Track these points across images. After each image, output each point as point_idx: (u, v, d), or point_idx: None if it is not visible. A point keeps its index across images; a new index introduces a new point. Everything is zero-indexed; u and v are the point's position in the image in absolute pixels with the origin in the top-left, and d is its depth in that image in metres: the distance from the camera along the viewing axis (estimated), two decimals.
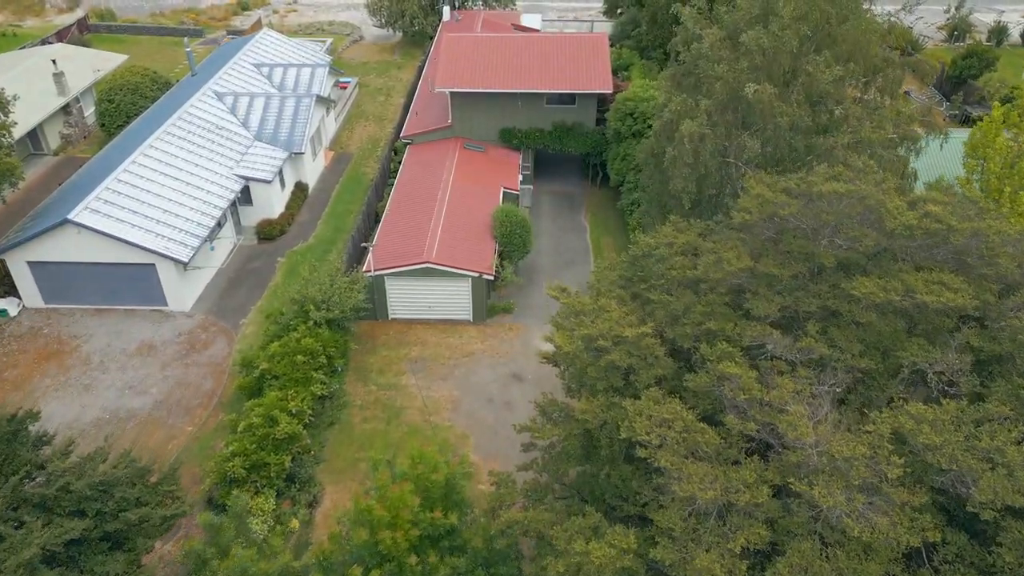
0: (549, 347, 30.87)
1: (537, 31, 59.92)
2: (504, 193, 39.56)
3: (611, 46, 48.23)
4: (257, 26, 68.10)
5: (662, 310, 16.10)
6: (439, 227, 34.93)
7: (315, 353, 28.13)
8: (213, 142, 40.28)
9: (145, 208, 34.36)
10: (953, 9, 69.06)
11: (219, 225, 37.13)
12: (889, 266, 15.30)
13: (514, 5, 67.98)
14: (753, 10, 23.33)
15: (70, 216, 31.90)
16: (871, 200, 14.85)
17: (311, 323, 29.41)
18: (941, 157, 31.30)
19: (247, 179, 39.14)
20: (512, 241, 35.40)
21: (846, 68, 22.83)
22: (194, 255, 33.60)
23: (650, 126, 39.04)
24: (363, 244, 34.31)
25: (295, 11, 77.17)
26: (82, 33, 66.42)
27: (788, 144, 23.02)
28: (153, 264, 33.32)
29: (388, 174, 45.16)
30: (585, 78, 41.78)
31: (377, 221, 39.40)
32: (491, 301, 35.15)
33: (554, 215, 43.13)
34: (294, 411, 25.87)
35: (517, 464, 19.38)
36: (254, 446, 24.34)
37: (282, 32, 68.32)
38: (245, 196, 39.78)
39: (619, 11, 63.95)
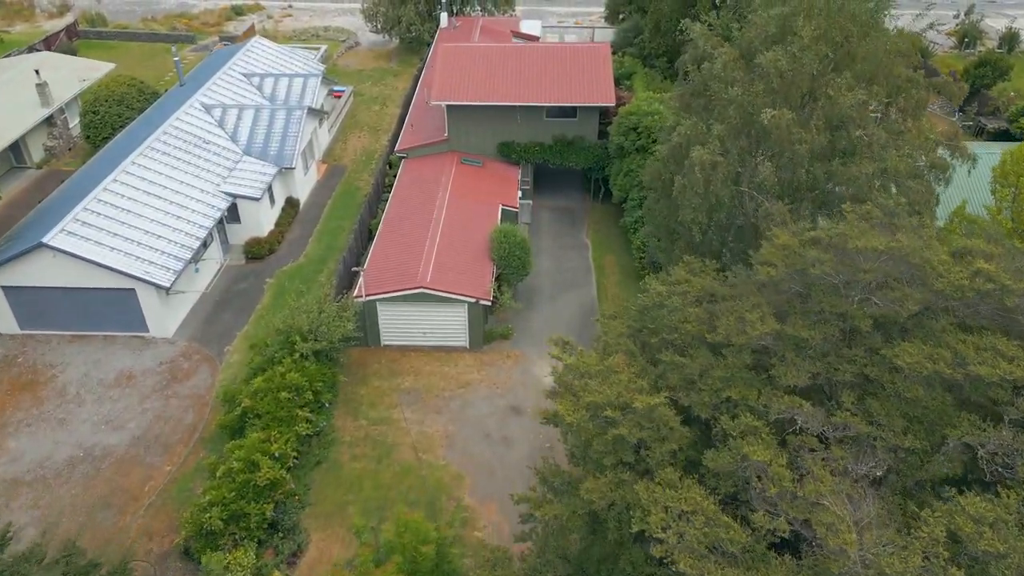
0: (549, 379, 29.29)
1: (537, 38, 58.35)
2: (502, 211, 37.94)
3: (612, 53, 46.54)
4: (250, 32, 66.48)
5: (676, 373, 14.44)
6: (434, 249, 33.28)
7: (301, 389, 26.50)
8: (199, 157, 38.63)
9: (125, 229, 32.71)
10: (962, 15, 67.45)
11: (204, 245, 35.49)
12: (931, 324, 13.66)
13: (513, 11, 66.31)
14: (769, 28, 21.65)
15: (45, 240, 30.27)
16: (914, 258, 13.22)
17: (297, 355, 27.77)
18: (963, 176, 29.65)
19: (234, 196, 37.48)
20: (511, 263, 33.74)
21: (869, 91, 21.18)
22: (176, 279, 31.95)
23: (654, 141, 37.43)
24: (354, 269, 32.66)
25: (290, 16, 75.55)
26: (71, 39, 64.73)
27: (806, 171, 21.39)
28: (133, 289, 31.68)
29: (382, 189, 43.48)
30: (586, 90, 40.14)
31: (371, 238, 37.79)
32: (488, 326, 33.50)
33: (554, 232, 41.48)
34: (277, 454, 24.22)
35: (515, 533, 17.74)
36: (233, 494, 22.68)
37: (277, 38, 66.76)
38: (232, 214, 38.12)
39: (620, 17, 62.34)
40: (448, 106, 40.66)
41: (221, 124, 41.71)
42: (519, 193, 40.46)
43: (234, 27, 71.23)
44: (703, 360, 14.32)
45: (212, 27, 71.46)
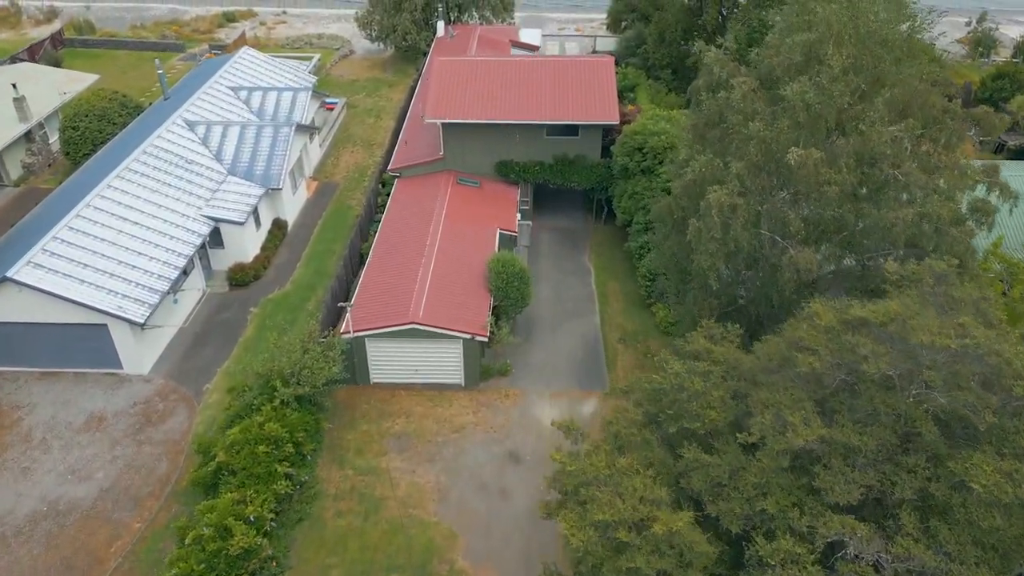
0: (551, 416, 27.11)
1: (536, 47, 56.34)
2: (500, 235, 35.88)
3: (615, 64, 44.44)
4: (241, 40, 64.40)
5: (700, 474, 12.41)
6: (427, 279, 31.20)
7: (280, 441, 24.42)
8: (181, 178, 36.55)
9: (98, 260, 30.65)
10: (974, 22, 65.41)
11: (184, 274, 33.44)
12: (1004, 424, 11.61)
13: (512, 19, 64.25)
14: (794, 56, 19.59)
15: (9, 274, 28.22)
16: (991, 358, 11.19)
17: (277, 402, 25.70)
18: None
19: (217, 220, 35.41)
20: (509, 295, 31.67)
21: (905, 124, 19.13)
22: (152, 313, 29.87)
23: (661, 162, 35.45)
24: (340, 304, 30.60)
25: (284, 23, 73.52)
26: (56, 48, 62.63)
27: (835, 213, 19.36)
28: (105, 324, 29.63)
29: (375, 209, 41.45)
30: (589, 108, 38.07)
31: (361, 263, 35.76)
32: (485, 362, 31.43)
33: (555, 256, 39.41)
34: (252, 518, 22.15)
35: None
36: (202, 567, 20.63)
37: (269, 45, 64.88)
38: (215, 238, 36.04)
39: (623, 25, 60.26)
40: (443, 124, 38.62)
41: (205, 142, 39.66)
42: (518, 215, 38.42)
43: (225, 34, 69.23)
44: (732, 458, 12.28)
45: (203, 34, 69.43)
